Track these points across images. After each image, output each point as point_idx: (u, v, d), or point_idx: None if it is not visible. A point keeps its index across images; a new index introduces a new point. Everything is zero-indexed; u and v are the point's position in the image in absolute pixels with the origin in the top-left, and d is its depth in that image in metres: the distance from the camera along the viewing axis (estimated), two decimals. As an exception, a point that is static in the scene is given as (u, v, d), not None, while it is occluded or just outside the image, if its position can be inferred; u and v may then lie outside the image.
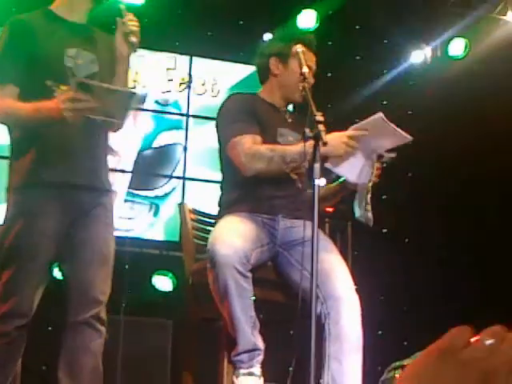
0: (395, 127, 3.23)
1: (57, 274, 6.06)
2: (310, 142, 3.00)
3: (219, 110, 3.56)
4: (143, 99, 2.97)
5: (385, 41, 7.17)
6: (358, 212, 3.39)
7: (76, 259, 3.09)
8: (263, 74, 3.64)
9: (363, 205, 3.40)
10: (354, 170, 3.37)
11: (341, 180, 3.57)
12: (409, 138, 3.27)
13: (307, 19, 6.97)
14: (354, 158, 3.32)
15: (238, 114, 3.46)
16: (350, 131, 3.27)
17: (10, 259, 3.01)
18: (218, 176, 6.84)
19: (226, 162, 3.51)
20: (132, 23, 3.05)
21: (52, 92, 2.96)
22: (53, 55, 3.08)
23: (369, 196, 3.40)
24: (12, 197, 3.07)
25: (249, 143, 3.31)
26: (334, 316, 3.24)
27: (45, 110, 2.94)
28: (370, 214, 3.39)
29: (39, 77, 3.02)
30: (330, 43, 6.75)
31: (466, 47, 7.02)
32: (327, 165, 3.29)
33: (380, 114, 3.21)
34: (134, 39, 3.03)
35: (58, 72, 3.05)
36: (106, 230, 3.17)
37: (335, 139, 3.19)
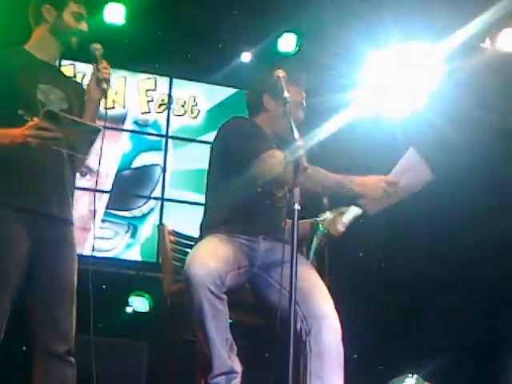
0: (424, 162, 3.31)
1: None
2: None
3: (226, 130, 3.57)
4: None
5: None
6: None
7: (40, 291, 3.11)
8: (255, 109, 3.65)
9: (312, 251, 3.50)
10: (375, 205, 3.43)
11: (310, 220, 3.65)
12: (431, 176, 3.35)
13: (287, 43, 7.01)
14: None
15: (257, 133, 3.50)
16: (390, 177, 3.37)
17: None
18: (197, 198, 6.93)
19: (213, 183, 3.54)
20: (105, 71, 3.21)
21: (24, 121, 3.02)
22: (26, 88, 3.15)
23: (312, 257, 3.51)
24: None
25: (283, 156, 3.26)
26: (315, 333, 3.24)
27: (9, 136, 2.97)
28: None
29: (12, 106, 3.10)
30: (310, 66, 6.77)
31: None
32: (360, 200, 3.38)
33: (411, 149, 3.30)
34: (105, 86, 3.19)
35: (30, 104, 3.12)
36: (72, 265, 3.19)
37: (374, 183, 3.33)
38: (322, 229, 3.48)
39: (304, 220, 3.68)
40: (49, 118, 2.88)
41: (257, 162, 3.35)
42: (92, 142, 2.99)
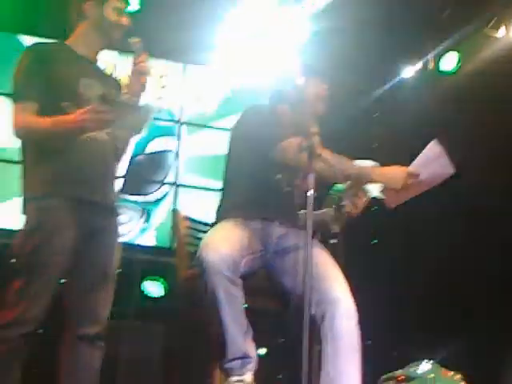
0: (446, 156, 3.31)
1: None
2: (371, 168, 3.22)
3: (248, 117, 3.59)
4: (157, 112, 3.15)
5: (375, 55, 7.19)
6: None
7: (82, 278, 3.19)
8: (276, 98, 3.66)
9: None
10: (396, 197, 3.44)
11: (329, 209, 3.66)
12: (452, 170, 3.35)
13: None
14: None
15: (277, 120, 3.53)
16: (411, 168, 3.36)
17: (24, 269, 3.07)
18: (210, 183, 6.93)
19: (231, 168, 3.57)
20: (144, 64, 3.27)
21: (66, 112, 3.11)
22: (69, 81, 3.22)
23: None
24: (30, 207, 3.14)
25: (298, 143, 3.27)
26: (330, 318, 3.26)
27: (63, 123, 3.07)
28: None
29: (55, 99, 3.16)
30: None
31: (458, 62, 7.05)
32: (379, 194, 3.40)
33: (434, 142, 3.30)
34: (144, 80, 3.27)
35: (73, 96, 3.19)
36: (113, 253, 3.28)
37: (395, 173, 3.33)
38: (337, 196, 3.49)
39: (324, 209, 3.70)
40: (105, 101, 2.98)
41: (276, 149, 3.36)
42: (146, 121, 3.12)
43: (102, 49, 3.42)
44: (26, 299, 3.02)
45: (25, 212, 3.17)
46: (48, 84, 3.16)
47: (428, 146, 3.35)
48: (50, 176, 3.13)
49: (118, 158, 3.38)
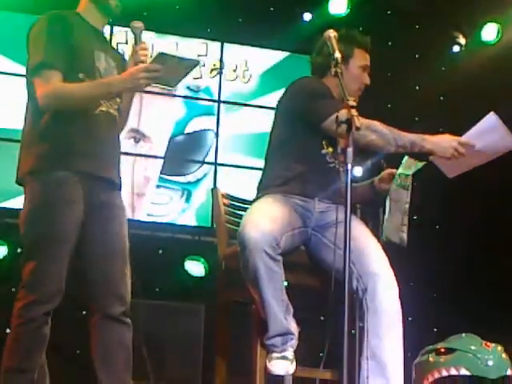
0: (505, 128, 3.28)
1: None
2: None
3: (297, 90, 3.53)
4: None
5: (416, 26, 7.14)
6: (389, 233, 3.47)
7: (95, 254, 3.15)
8: (320, 71, 3.62)
9: (398, 225, 3.47)
10: (455, 168, 3.41)
11: (369, 181, 3.68)
12: None
13: (338, 5, 6.97)
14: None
15: (327, 92, 3.48)
16: (463, 138, 3.33)
17: (37, 246, 3.05)
18: (250, 162, 6.94)
19: (277, 143, 3.55)
20: (143, 52, 3.14)
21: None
22: (86, 52, 3.18)
23: (406, 218, 3.48)
24: (36, 182, 3.09)
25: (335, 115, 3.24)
26: (371, 291, 3.26)
27: (106, 84, 3.08)
28: (404, 236, 3.48)
29: (74, 68, 3.12)
30: (361, 28, 6.73)
31: (498, 32, 6.97)
32: (431, 158, 3.38)
33: (491, 114, 3.27)
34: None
35: (89, 69, 3.16)
36: (123, 227, 3.24)
37: (446, 142, 3.31)
38: (399, 184, 3.48)
39: (363, 182, 3.68)
40: (159, 59, 2.98)
41: (330, 119, 3.30)
42: (186, 75, 3.08)
43: (106, 19, 3.34)
44: (44, 277, 3.02)
45: (27, 187, 3.11)
46: (68, 52, 3.11)
47: (485, 118, 3.31)
48: (57, 150, 3.08)
49: (119, 135, 3.34)
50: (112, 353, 3.12)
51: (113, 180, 3.22)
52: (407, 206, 3.51)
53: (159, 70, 2.97)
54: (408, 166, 3.51)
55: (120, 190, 3.29)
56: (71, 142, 3.10)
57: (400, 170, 3.52)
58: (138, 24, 3.19)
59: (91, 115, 3.12)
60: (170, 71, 3.00)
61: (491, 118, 3.29)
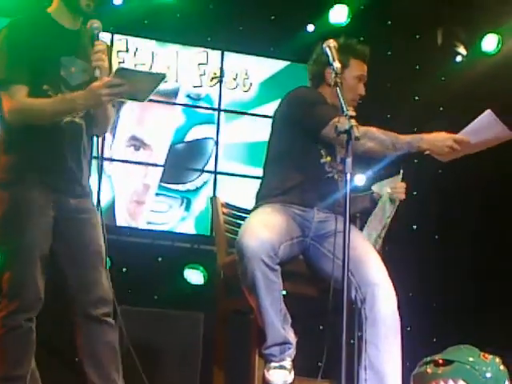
0: (502, 124, 3.29)
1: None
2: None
3: (293, 99, 3.55)
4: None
5: (416, 36, 7.15)
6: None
7: (73, 258, 3.16)
8: (316, 80, 3.63)
9: (374, 237, 3.49)
10: (449, 155, 3.42)
11: (368, 192, 3.67)
12: (509, 133, 3.33)
13: (339, 14, 6.98)
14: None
15: (323, 101, 3.50)
16: (458, 136, 3.34)
17: (11, 255, 3.07)
18: (249, 171, 6.94)
19: (275, 152, 3.55)
20: (97, 56, 3.06)
21: (48, 96, 3.09)
22: (49, 63, 3.14)
23: (384, 232, 3.50)
24: (4, 192, 3.09)
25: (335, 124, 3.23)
26: (370, 301, 3.26)
27: (69, 100, 3.04)
28: (377, 247, 3.50)
29: (37, 81, 3.10)
30: (361, 38, 6.74)
31: (498, 43, 6.98)
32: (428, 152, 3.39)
33: (488, 111, 3.27)
34: (97, 74, 3.05)
35: (53, 80, 3.14)
36: (95, 230, 3.22)
37: (442, 140, 3.32)
38: (389, 198, 3.50)
39: (363, 193, 3.69)
40: (120, 74, 2.95)
41: (329, 126, 3.31)
42: (154, 89, 3.05)
43: (78, 19, 3.22)
44: (20, 286, 3.03)
45: None
46: (33, 64, 3.08)
47: (481, 115, 3.32)
48: (24, 163, 3.09)
49: (91, 138, 3.30)
50: (98, 352, 3.12)
51: (77, 192, 3.20)
52: (389, 220, 3.53)
53: (121, 84, 2.93)
54: (393, 181, 3.54)
55: (90, 196, 3.28)
56: (35, 156, 3.11)
57: (386, 185, 3.54)
58: (97, 23, 3.11)
59: (56, 127, 3.10)
60: (134, 86, 2.97)
61: (488, 116, 3.30)
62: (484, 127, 3.31)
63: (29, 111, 3.08)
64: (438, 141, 3.31)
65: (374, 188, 3.59)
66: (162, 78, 3.05)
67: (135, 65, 6.95)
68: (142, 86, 3.02)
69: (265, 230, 3.22)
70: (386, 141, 3.31)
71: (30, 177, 3.09)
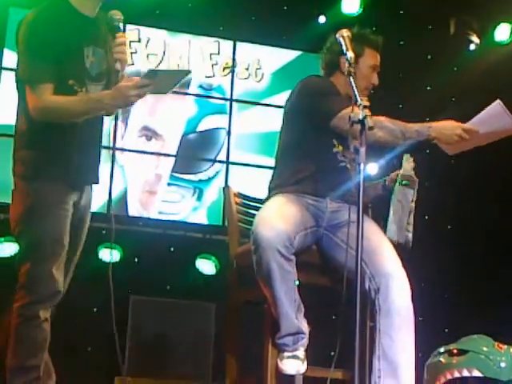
0: (510, 116, 3.27)
1: (102, 255, 6.19)
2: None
3: (304, 89, 3.54)
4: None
5: (429, 26, 7.13)
6: (393, 232, 3.45)
7: (69, 261, 3.19)
8: (330, 69, 3.62)
9: (403, 225, 3.46)
10: (456, 147, 3.41)
11: (381, 180, 3.66)
12: None
13: (351, 4, 6.96)
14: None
15: (335, 90, 3.49)
16: (467, 125, 3.32)
17: (32, 248, 3.07)
18: (262, 160, 6.94)
19: (287, 142, 3.55)
20: (119, 49, 3.05)
21: (74, 92, 3.07)
22: (74, 55, 3.11)
23: (411, 217, 3.47)
24: (27, 185, 3.10)
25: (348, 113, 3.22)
26: (384, 291, 3.25)
27: (108, 99, 3.01)
28: (410, 236, 3.47)
29: (63, 75, 3.07)
30: (374, 28, 6.71)
31: (511, 33, 6.95)
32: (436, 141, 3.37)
33: (498, 101, 3.26)
34: (118, 67, 3.06)
35: (78, 73, 3.11)
36: (87, 222, 3.28)
37: (451, 129, 3.29)
38: (403, 182, 3.47)
39: (376, 181, 3.68)
40: (149, 75, 2.98)
41: (338, 117, 3.32)
42: (178, 83, 3.08)
43: (96, 4, 3.18)
44: (38, 279, 3.04)
45: (18, 189, 3.12)
46: (57, 59, 3.03)
47: (490, 105, 3.30)
48: (47, 157, 3.09)
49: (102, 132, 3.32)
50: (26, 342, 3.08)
51: (93, 182, 3.25)
52: (413, 204, 3.49)
53: (150, 84, 2.95)
54: (408, 165, 3.51)
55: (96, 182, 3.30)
56: (57, 152, 3.11)
57: (402, 171, 3.52)
58: (118, 15, 3.09)
59: (80, 124, 3.10)
60: (161, 83, 3.00)
61: (497, 106, 3.28)
62: (492, 118, 3.30)
63: (54, 110, 3.05)
64: (446, 129, 3.29)
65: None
66: (186, 73, 3.11)
67: (147, 55, 6.96)
68: (167, 81, 3.05)
69: (280, 221, 3.22)
70: (395, 130, 3.30)
71: (51, 172, 3.09)
